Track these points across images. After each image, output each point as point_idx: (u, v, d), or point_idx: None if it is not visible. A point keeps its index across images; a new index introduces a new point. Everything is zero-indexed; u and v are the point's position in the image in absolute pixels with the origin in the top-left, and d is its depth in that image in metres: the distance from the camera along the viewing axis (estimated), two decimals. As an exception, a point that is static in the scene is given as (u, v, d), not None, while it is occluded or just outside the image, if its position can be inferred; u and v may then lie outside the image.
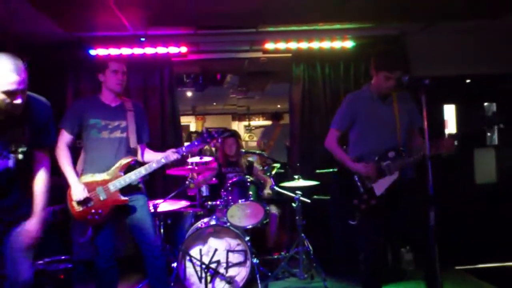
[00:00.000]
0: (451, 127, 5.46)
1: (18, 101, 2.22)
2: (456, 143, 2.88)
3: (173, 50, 4.77)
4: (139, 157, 3.31)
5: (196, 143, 3.26)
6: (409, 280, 4.15)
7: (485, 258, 4.70)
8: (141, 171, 3.11)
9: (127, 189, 3.12)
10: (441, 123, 5.30)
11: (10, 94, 2.18)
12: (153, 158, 3.25)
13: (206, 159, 4.53)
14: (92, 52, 4.67)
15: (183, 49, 4.78)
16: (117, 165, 3.10)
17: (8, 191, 2.40)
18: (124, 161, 3.11)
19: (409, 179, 3.08)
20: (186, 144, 3.39)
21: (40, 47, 4.67)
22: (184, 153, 3.29)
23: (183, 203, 4.29)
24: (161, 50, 4.75)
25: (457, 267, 4.56)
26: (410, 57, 4.98)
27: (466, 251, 4.68)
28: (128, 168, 3.12)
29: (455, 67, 5.11)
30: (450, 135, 2.96)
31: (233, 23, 4.52)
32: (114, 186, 3.06)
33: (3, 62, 2.15)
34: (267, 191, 4.52)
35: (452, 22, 4.76)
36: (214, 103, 11.58)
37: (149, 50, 4.73)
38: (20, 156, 2.38)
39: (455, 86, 5.20)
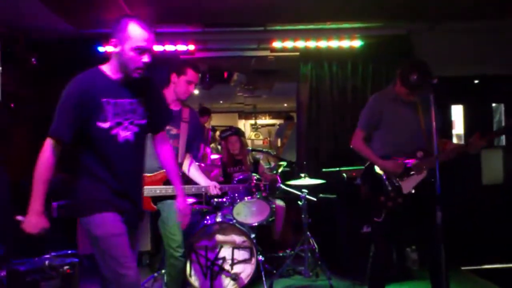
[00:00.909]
0: (458, 127, 5.44)
1: (146, 58, 2.21)
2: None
3: (181, 47, 4.78)
4: (184, 168, 3.24)
5: (240, 187, 3.24)
6: (414, 280, 4.15)
7: (491, 259, 4.68)
8: None
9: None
10: (449, 124, 5.28)
11: (140, 51, 2.19)
12: (197, 178, 3.24)
13: (213, 156, 4.54)
14: (101, 49, 4.70)
15: (191, 47, 4.80)
16: (161, 171, 3.06)
17: (135, 170, 2.34)
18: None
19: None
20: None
21: (49, 43, 4.71)
22: (226, 191, 3.30)
23: (189, 200, 4.30)
24: (169, 47, 4.77)
25: (463, 268, 4.55)
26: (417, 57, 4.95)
27: (472, 251, 4.67)
28: (167, 181, 3.05)
29: (463, 68, 5.08)
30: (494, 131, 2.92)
31: (241, 21, 4.53)
32: (149, 191, 3.03)
33: (135, 21, 2.20)
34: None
35: (460, 22, 4.73)
36: (221, 101, 11.58)
37: (157, 48, 4.75)
38: (137, 129, 2.29)
39: (463, 86, 5.18)
